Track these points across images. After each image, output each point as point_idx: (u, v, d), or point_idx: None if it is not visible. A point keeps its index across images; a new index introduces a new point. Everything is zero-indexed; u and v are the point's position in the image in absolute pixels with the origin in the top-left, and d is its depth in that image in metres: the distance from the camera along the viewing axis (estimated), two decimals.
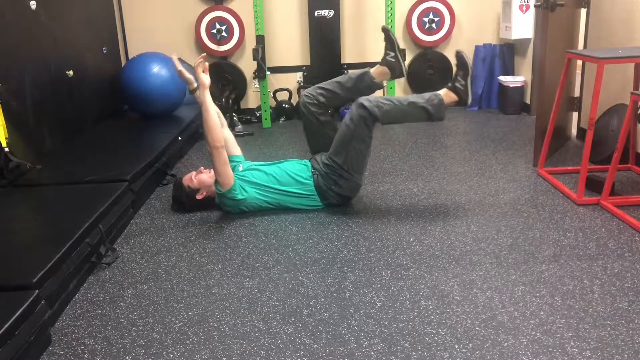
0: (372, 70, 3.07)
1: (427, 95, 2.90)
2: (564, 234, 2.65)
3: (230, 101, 5.02)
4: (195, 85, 3.06)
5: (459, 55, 2.92)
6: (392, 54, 3.03)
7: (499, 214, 2.90)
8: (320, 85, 3.10)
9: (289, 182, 3.00)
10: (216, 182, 2.92)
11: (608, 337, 1.86)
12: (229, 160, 3.17)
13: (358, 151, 2.91)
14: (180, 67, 3.06)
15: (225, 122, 3.25)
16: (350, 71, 3.16)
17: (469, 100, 2.93)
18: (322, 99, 3.05)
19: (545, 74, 3.54)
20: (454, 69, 3.00)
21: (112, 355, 1.88)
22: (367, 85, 3.08)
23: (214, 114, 2.86)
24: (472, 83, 2.93)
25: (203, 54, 2.89)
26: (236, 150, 3.25)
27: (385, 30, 3.09)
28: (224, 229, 2.86)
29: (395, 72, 3.05)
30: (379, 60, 3.10)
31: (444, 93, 2.90)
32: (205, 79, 2.86)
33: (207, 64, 2.86)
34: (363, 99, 2.87)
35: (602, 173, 3.21)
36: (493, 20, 5.43)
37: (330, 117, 3.11)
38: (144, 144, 3.79)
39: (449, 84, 2.91)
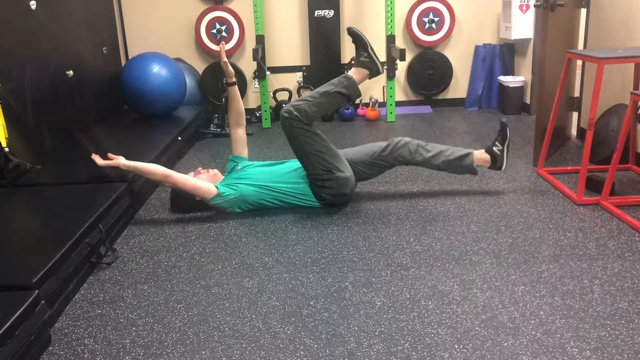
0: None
1: (336, 80, 3.01)
2: (564, 234, 2.65)
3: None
4: (234, 79, 3.16)
5: (351, 32, 3.02)
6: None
7: (499, 214, 2.90)
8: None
9: (285, 181, 3.02)
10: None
11: (608, 337, 1.86)
12: (232, 160, 3.21)
13: (318, 152, 2.94)
14: (225, 58, 3.12)
15: (244, 123, 3.27)
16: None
17: (381, 69, 3.04)
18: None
19: (545, 74, 3.54)
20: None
21: (112, 355, 1.88)
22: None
23: (140, 166, 2.92)
24: (373, 52, 3.01)
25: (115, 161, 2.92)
26: (244, 151, 3.27)
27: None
28: (224, 229, 2.86)
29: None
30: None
31: (352, 72, 3.01)
32: (117, 160, 2.90)
33: (118, 162, 2.89)
34: (282, 112, 2.95)
35: (602, 173, 3.21)
36: (493, 20, 5.43)
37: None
38: (144, 144, 3.79)
39: (355, 62, 3.04)
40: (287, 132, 2.98)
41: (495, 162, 3.10)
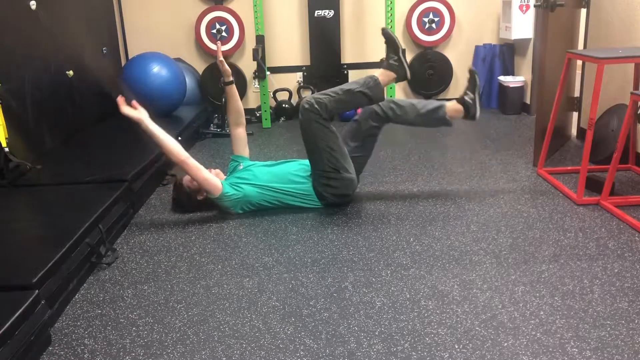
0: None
1: (362, 79, 2.99)
2: (564, 234, 2.65)
3: None
4: (231, 78, 3.15)
5: (384, 32, 3.01)
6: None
7: (499, 214, 2.90)
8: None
9: (287, 181, 3.01)
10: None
11: (608, 337, 1.86)
12: (233, 160, 3.22)
13: (330, 149, 2.92)
14: (221, 57, 3.12)
15: (244, 122, 3.27)
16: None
17: (408, 75, 3.02)
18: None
19: (545, 74, 3.54)
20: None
21: (112, 355, 1.88)
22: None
23: (162, 136, 2.83)
24: (404, 56, 3.00)
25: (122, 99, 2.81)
26: (244, 150, 3.27)
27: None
28: (224, 229, 2.86)
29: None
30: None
31: (380, 74, 2.99)
32: (140, 113, 2.82)
33: (141, 117, 2.79)
34: (303, 102, 2.93)
35: (602, 173, 3.21)
36: (493, 20, 5.43)
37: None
38: (144, 144, 3.78)
39: (384, 64, 3.01)
40: (303, 124, 2.95)
41: (469, 111, 3.00)
